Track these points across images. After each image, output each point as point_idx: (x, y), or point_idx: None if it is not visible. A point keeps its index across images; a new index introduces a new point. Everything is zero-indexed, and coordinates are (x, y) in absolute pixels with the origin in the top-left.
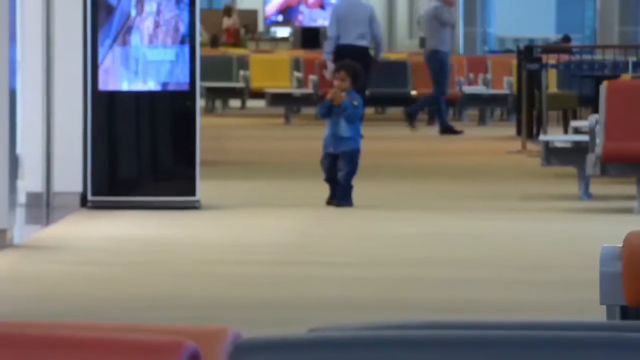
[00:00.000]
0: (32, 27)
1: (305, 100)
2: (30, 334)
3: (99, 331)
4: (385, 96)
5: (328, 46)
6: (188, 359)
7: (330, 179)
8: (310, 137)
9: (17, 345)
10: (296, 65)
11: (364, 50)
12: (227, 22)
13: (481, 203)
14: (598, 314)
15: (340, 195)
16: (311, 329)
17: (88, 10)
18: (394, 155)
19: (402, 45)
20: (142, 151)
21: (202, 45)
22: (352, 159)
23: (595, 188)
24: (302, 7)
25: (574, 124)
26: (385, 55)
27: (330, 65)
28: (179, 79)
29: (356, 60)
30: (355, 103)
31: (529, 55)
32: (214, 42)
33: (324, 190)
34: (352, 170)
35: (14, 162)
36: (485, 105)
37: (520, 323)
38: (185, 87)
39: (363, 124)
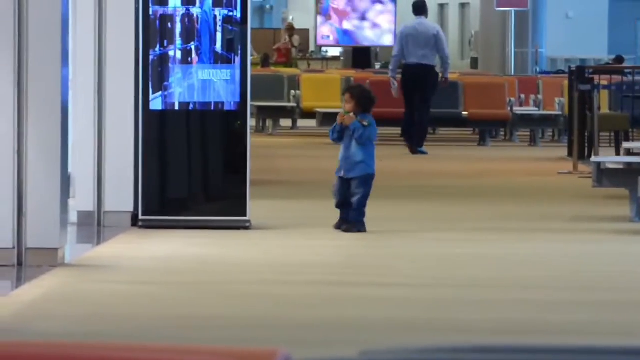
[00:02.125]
0: (84, 45)
1: None
2: (79, 355)
3: (149, 353)
4: (437, 117)
5: (392, 64)
6: None
7: (341, 203)
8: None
9: None
10: (347, 84)
11: (429, 68)
12: (285, 40)
13: (532, 224)
14: None
15: (353, 220)
16: (362, 352)
17: (140, 28)
18: (444, 175)
19: (454, 65)
20: (193, 170)
21: (253, 64)
22: (365, 183)
23: None
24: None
25: (626, 145)
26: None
27: (395, 84)
28: (230, 98)
29: (422, 79)
30: (365, 123)
31: (580, 76)
32: (265, 61)
33: (375, 210)
34: (365, 194)
35: (65, 181)
36: (536, 126)
37: (572, 346)
38: (236, 107)
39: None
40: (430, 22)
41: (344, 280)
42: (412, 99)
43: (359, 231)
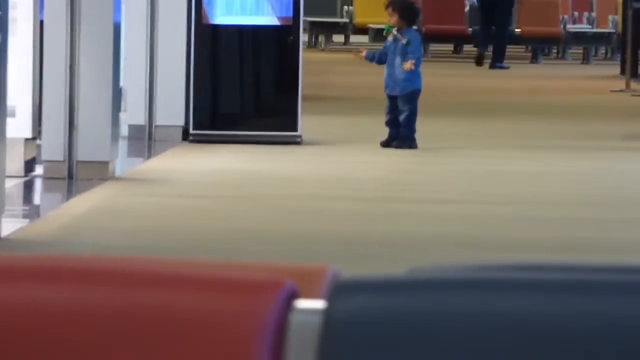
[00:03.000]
0: None
1: None
2: (123, 269)
3: (193, 268)
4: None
5: None
6: (286, 298)
7: (391, 121)
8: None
9: (109, 280)
10: None
11: None
12: None
13: (584, 142)
14: None
15: (402, 138)
16: (411, 269)
17: None
18: (496, 92)
19: None
20: (244, 86)
21: None
22: (411, 100)
23: None
24: None
25: None
26: None
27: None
28: (283, 13)
29: None
30: (404, 41)
31: None
32: None
33: (427, 127)
34: (412, 110)
35: (117, 94)
36: (589, 43)
37: (627, 266)
38: (289, 22)
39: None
40: None
41: (395, 196)
42: (489, 17)
43: (410, 147)
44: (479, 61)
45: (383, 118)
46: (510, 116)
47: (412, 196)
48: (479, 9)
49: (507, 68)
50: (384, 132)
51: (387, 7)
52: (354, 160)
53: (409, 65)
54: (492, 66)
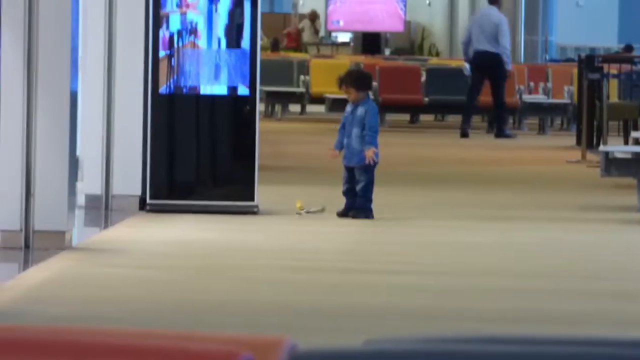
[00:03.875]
0: (93, 28)
1: None
2: (81, 341)
3: (153, 339)
4: (445, 103)
5: (462, 49)
6: None
7: (347, 190)
8: None
9: (66, 352)
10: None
11: (493, 55)
12: (301, 27)
13: (540, 212)
14: None
15: (359, 208)
16: (367, 340)
17: (150, 11)
18: (451, 163)
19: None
20: (201, 155)
21: (263, 49)
22: (367, 170)
23: None
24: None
25: (634, 134)
26: (446, 62)
27: (467, 65)
28: (239, 83)
29: (488, 65)
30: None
31: (590, 64)
32: (275, 46)
33: (383, 197)
34: (368, 181)
35: (73, 164)
36: (545, 114)
37: (579, 337)
38: (245, 92)
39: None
40: (497, 12)
41: (351, 267)
42: (477, 84)
43: (367, 217)
44: (465, 132)
45: (340, 188)
46: (466, 186)
47: (368, 267)
48: (471, 77)
49: (515, 137)
50: (341, 202)
51: (340, 87)
52: (310, 230)
53: (370, 154)
54: (499, 135)
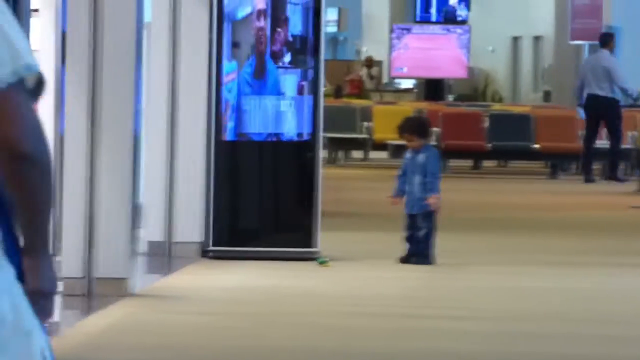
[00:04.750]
0: (157, 74)
1: None
2: None
3: None
4: (508, 149)
5: (575, 94)
6: None
7: (410, 237)
8: None
9: None
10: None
11: (607, 100)
12: (362, 72)
13: (604, 258)
14: None
15: (420, 254)
16: None
17: (213, 57)
18: (516, 208)
19: (526, 98)
20: (263, 201)
21: (326, 96)
22: (429, 217)
23: None
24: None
25: None
26: (509, 108)
27: (580, 111)
28: (302, 129)
29: (601, 110)
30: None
31: None
32: (338, 92)
33: (445, 243)
34: (429, 228)
35: (135, 210)
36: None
37: None
38: (308, 138)
39: (486, 177)
40: (607, 55)
41: (412, 313)
42: (592, 128)
43: (428, 264)
44: (590, 179)
45: (402, 234)
46: (530, 232)
47: (427, 312)
48: (586, 122)
49: (622, 181)
50: (401, 248)
51: (401, 135)
52: (372, 276)
53: (433, 200)
54: (612, 178)
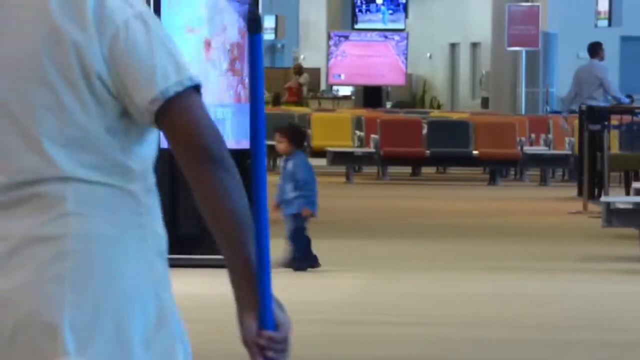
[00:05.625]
0: None
1: (367, 159)
2: None
3: None
4: (447, 156)
5: (563, 105)
6: None
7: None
8: (372, 196)
9: None
10: (358, 124)
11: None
12: (294, 80)
13: (541, 264)
14: None
15: (295, 259)
16: None
17: None
18: (454, 214)
19: (464, 105)
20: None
21: (265, 103)
22: (297, 223)
23: None
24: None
25: (635, 185)
26: (447, 114)
27: (563, 122)
28: (241, 137)
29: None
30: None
31: (591, 115)
32: (276, 100)
33: (385, 249)
34: (298, 235)
35: None
36: (546, 165)
37: None
38: (247, 145)
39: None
40: (597, 64)
41: (355, 319)
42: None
43: (311, 267)
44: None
45: (341, 241)
46: (468, 238)
47: (372, 319)
48: (579, 133)
49: None
50: (344, 254)
51: (274, 134)
52: (315, 283)
53: (307, 213)
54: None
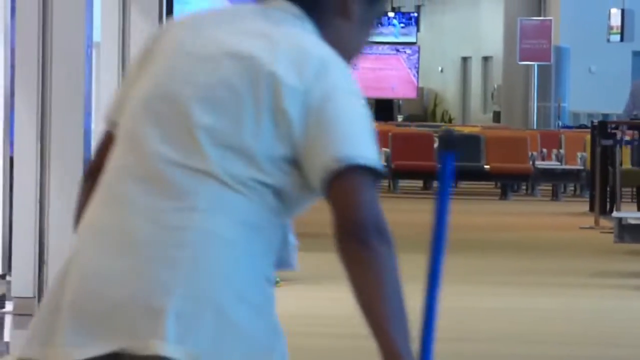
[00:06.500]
0: (107, 94)
1: None
2: None
3: None
4: (458, 170)
5: (624, 117)
6: None
7: None
8: (383, 210)
9: None
10: None
11: None
12: None
13: (553, 279)
14: None
15: None
16: None
17: None
18: (465, 229)
19: (476, 119)
20: None
21: None
22: None
23: None
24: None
25: None
26: (459, 128)
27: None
28: None
29: None
30: None
31: (603, 130)
32: None
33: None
34: None
35: None
36: (558, 180)
37: None
38: None
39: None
40: None
41: (364, 333)
42: None
43: None
44: None
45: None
46: (479, 252)
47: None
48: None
49: None
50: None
51: None
52: (323, 296)
53: None
54: None
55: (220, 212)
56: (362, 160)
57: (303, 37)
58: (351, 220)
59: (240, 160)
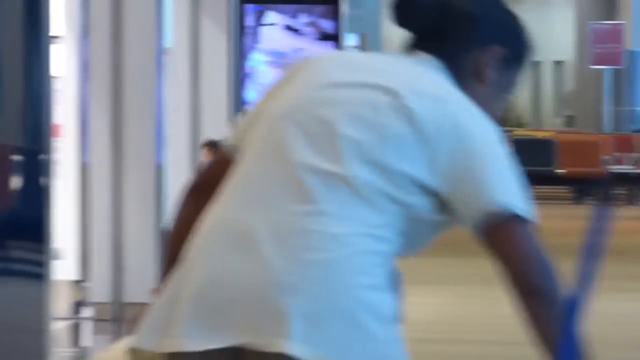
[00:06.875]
0: (180, 100)
1: None
2: None
3: None
4: (531, 174)
5: None
6: None
7: None
8: None
9: None
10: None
11: None
12: None
13: (629, 283)
14: None
15: None
16: None
17: (231, 82)
18: (540, 233)
19: (548, 123)
20: None
21: None
22: None
23: None
24: None
25: None
26: (532, 133)
27: None
28: None
29: None
30: None
31: None
32: None
33: (462, 268)
34: None
35: (162, 235)
36: (632, 184)
37: None
38: None
39: None
40: None
41: (435, 338)
42: None
43: None
44: None
45: (429, 259)
46: (554, 257)
47: (452, 337)
48: None
49: None
50: (426, 272)
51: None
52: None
53: None
54: None
55: (350, 219)
56: (521, 211)
57: (444, 84)
58: (526, 278)
59: (379, 174)
